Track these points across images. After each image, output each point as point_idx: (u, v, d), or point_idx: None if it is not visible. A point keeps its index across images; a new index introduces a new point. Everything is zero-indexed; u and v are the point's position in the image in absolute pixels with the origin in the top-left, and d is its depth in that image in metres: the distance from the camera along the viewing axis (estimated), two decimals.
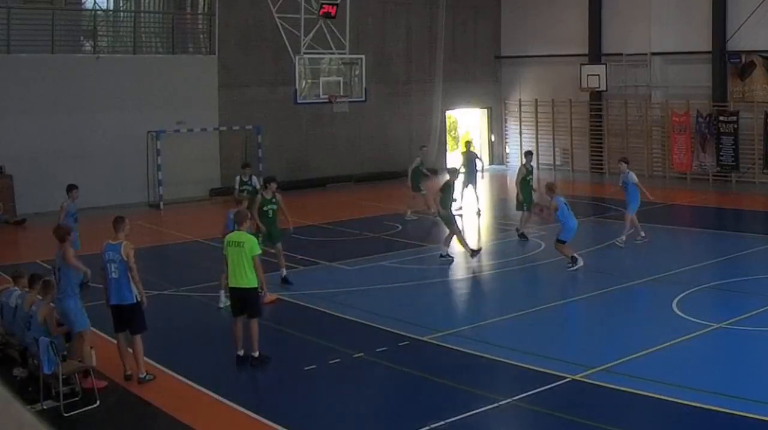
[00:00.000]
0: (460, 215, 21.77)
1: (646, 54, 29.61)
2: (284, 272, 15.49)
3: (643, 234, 18.55)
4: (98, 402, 9.88)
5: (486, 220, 22.97)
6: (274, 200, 15.38)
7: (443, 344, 11.88)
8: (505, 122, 35.05)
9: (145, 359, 10.81)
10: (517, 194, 19.73)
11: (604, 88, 30.34)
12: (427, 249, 18.82)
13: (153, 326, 11.11)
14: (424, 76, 32.71)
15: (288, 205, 16.65)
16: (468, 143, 25.12)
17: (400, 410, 9.75)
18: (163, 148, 26.24)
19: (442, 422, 9.08)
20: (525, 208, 19.54)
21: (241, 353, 11.25)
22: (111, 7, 27.61)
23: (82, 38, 27.10)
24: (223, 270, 12.08)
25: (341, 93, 22.92)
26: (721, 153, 27.52)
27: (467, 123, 36.56)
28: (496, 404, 9.63)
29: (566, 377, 10.25)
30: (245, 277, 11.14)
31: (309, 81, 22.53)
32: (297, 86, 22.27)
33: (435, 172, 25.10)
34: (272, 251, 15.28)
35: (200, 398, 10.20)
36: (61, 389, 9.69)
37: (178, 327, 13.20)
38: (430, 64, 32.79)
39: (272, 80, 28.35)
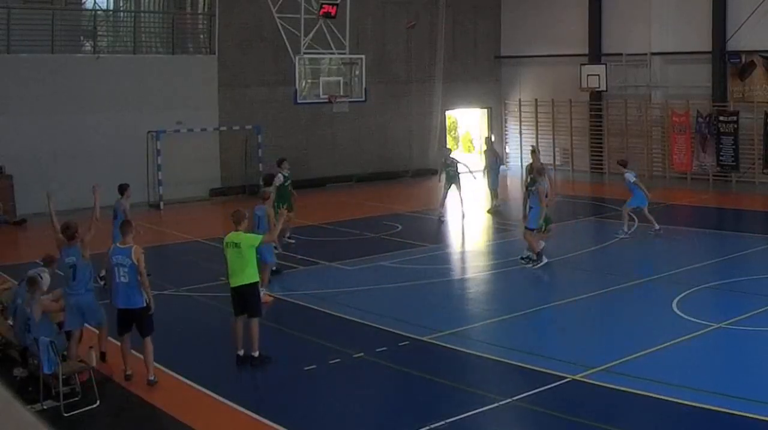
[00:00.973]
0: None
1: (646, 54, 29.58)
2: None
3: (657, 227, 18.79)
4: (98, 402, 9.88)
5: (487, 219, 22.97)
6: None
7: (443, 344, 11.89)
8: (505, 122, 35.04)
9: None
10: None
11: (604, 88, 30.26)
12: (426, 249, 18.84)
13: (155, 325, 11.10)
14: (424, 76, 32.68)
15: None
16: (489, 141, 25.17)
17: (400, 410, 9.75)
18: (163, 148, 26.24)
19: (442, 422, 9.09)
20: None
21: (241, 353, 11.25)
22: (111, 7, 27.57)
23: (82, 38, 27.09)
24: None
25: (341, 93, 22.91)
26: (721, 153, 27.49)
27: (467, 123, 36.65)
28: (496, 404, 9.64)
29: (566, 377, 10.25)
30: (243, 275, 11.17)
31: (309, 81, 22.53)
32: (297, 86, 22.25)
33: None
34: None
35: (200, 398, 10.21)
36: (61, 389, 9.69)
37: (178, 327, 13.16)
38: (430, 64, 32.75)
39: (272, 80, 28.33)
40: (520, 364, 10.91)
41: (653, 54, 29.49)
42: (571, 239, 20.00)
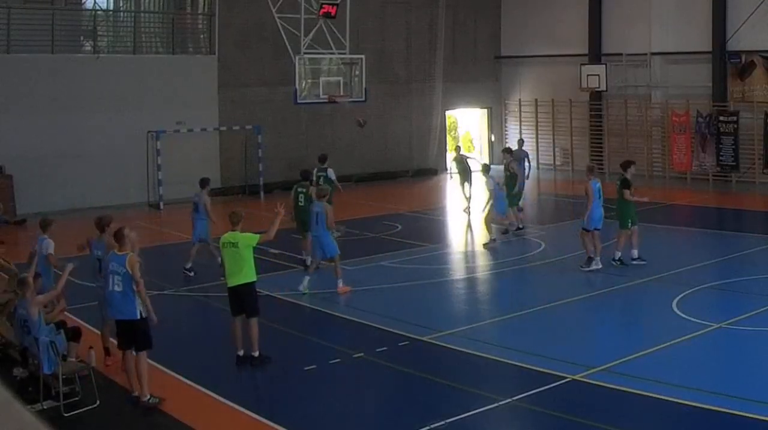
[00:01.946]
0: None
1: (646, 54, 29.68)
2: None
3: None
4: (98, 402, 9.89)
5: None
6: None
7: (443, 344, 11.92)
8: (505, 122, 35.13)
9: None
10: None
11: (604, 88, 30.37)
12: (426, 249, 18.87)
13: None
14: (424, 76, 32.78)
15: (288, 205, 16.84)
16: (520, 142, 25.27)
17: (400, 410, 9.76)
18: (163, 148, 26.30)
19: (442, 422, 9.10)
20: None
21: (241, 353, 11.26)
22: (111, 7, 27.68)
23: (82, 38, 27.21)
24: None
25: (341, 93, 22.96)
26: (721, 153, 27.56)
27: (467, 123, 36.67)
28: (496, 404, 9.65)
29: (566, 377, 10.27)
30: (241, 274, 11.17)
31: (309, 81, 22.56)
32: (297, 86, 22.30)
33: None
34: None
35: (200, 398, 10.22)
36: (61, 389, 9.69)
37: (177, 327, 13.16)
38: (430, 64, 32.86)
39: (272, 80, 28.37)
40: (520, 364, 10.91)
41: (653, 54, 29.58)
42: (572, 239, 19.90)
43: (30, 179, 24.15)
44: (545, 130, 33.49)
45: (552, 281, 15.90)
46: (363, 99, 23.86)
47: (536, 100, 33.48)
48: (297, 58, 22.07)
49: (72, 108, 25.12)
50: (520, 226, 20.02)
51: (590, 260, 16.10)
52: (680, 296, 13.74)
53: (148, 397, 9.94)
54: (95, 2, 27.38)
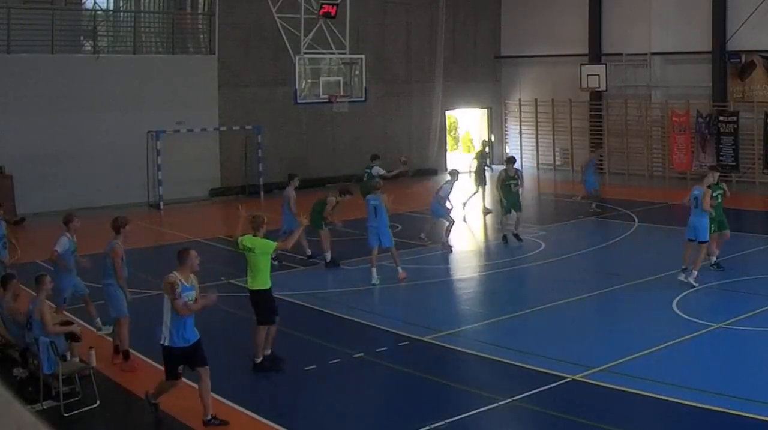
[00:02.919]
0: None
1: (646, 54, 29.81)
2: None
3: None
4: (98, 402, 9.90)
5: (489, 220, 23.06)
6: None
7: (443, 344, 11.96)
8: (505, 122, 35.26)
9: (145, 359, 10.81)
10: (500, 199, 19.53)
11: (604, 88, 30.56)
12: (427, 249, 18.93)
13: (152, 327, 10.97)
14: (424, 76, 32.92)
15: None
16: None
17: (400, 410, 9.79)
18: (163, 148, 26.41)
19: (442, 422, 9.13)
20: (512, 211, 19.29)
21: (268, 352, 11.29)
22: (111, 7, 27.74)
23: (82, 38, 27.31)
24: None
25: (341, 93, 23.05)
26: (721, 153, 27.66)
27: (467, 123, 36.77)
28: (496, 404, 9.68)
29: (566, 377, 10.31)
30: (255, 280, 11.19)
31: (309, 81, 22.66)
32: (297, 86, 22.42)
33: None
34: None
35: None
36: (61, 389, 9.72)
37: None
38: (430, 64, 33.00)
39: (272, 80, 28.55)
40: (520, 364, 10.94)
41: (653, 54, 29.72)
42: (572, 239, 20.22)
43: (30, 179, 24.23)
44: (545, 130, 33.61)
45: (552, 281, 16.02)
46: (363, 99, 23.94)
47: (536, 100, 33.60)
48: (297, 58, 22.14)
49: (72, 108, 25.25)
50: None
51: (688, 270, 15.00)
52: (680, 296, 13.79)
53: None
54: (95, 2, 27.46)
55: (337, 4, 22.67)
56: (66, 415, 9.61)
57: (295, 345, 12.28)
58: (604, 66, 30.54)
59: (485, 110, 35.29)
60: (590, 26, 31.53)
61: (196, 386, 10.50)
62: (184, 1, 29.35)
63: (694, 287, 14.44)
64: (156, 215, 24.99)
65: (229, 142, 28.37)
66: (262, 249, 11.11)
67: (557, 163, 33.27)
